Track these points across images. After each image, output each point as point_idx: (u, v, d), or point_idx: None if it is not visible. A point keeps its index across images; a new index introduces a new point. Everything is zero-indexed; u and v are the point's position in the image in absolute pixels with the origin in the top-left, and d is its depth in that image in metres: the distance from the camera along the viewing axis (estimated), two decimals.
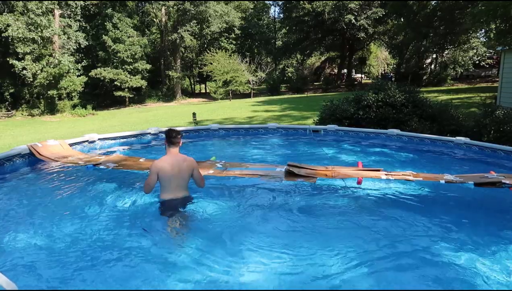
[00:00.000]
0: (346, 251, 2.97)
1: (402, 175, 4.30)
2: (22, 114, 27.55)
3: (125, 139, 7.43)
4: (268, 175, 4.41)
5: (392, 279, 2.60)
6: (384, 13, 28.64)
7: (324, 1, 28.74)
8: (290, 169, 4.33)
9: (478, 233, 3.32)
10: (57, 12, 27.19)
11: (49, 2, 25.86)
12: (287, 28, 36.63)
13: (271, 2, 44.54)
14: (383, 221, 3.51)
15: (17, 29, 24.15)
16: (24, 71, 25.16)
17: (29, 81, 26.10)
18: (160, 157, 3.62)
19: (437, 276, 2.64)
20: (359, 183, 4.33)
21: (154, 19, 35.83)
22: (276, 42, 42.35)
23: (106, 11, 31.24)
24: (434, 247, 3.01)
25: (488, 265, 2.73)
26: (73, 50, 28.85)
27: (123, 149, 6.97)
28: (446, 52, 29.80)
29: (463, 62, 28.42)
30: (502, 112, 7.71)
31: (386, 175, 4.29)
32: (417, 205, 3.98)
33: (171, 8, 33.15)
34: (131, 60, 30.87)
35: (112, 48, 30.02)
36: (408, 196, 4.24)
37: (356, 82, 33.55)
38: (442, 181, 4.08)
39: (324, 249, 2.99)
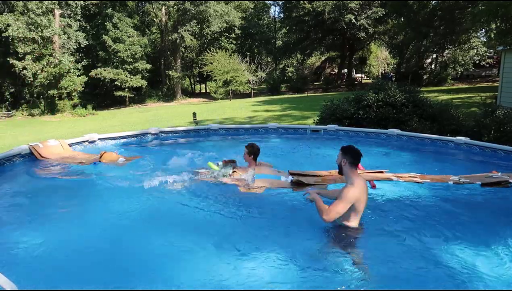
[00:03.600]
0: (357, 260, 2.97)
1: (409, 176, 4.26)
2: (22, 114, 27.57)
3: (125, 140, 7.42)
4: (275, 186, 4.23)
5: (393, 279, 2.60)
6: (384, 12, 28.62)
7: (324, 1, 28.72)
8: (298, 179, 4.14)
9: (481, 232, 3.31)
10: (57, 12, 27.20)
11: (49, 2, 25.88)
12: (287, 28, 36.62)
13: (271, 2, 44.57)
14: (384, 220, 3.50)
15: (17, 29, 24.17)
16: (24, 71, 25.18)
17: (29, 81, 26.11)
18: (351, 183, 3.02)
19: (439, 275, 2.64)
20: (373, 187, 4.21)
21: (154, 19, 35.84)
22: (276, 42, 42.34)
23: (106, 11, 31.27)
24: (436, 246, 3.01)
25: (491, 264, 2.73)
26: (73, 50, 28.88)
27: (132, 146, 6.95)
28: (446, 52, 29.77)
29: (463, 62, 28.39)
30: (503, 112, 7.71)
31: (395, 176, 4.24)
32: (416, 204, 3.97)
33: (171, 8, 33.17)
34: (131, 60, 30.89)
35: (112, 48, 30.04)
36: (407, 196, 4.24)
37: (356, 82, 33.54)
38: (450, 182, 4.05)
39: (326, 256, 2.99)
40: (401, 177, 4.25)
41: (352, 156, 3.07)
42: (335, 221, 3.04)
